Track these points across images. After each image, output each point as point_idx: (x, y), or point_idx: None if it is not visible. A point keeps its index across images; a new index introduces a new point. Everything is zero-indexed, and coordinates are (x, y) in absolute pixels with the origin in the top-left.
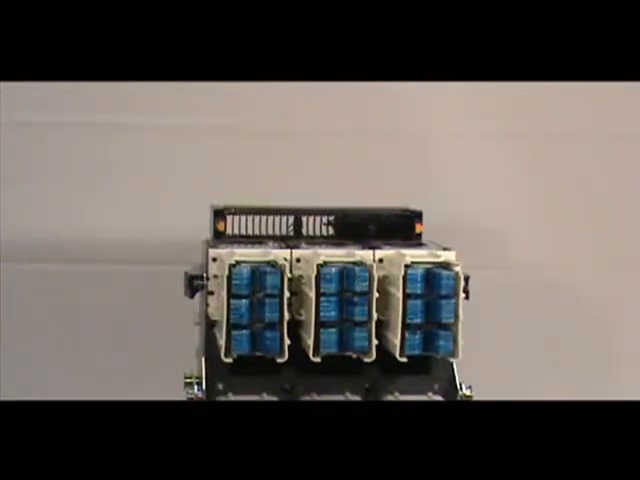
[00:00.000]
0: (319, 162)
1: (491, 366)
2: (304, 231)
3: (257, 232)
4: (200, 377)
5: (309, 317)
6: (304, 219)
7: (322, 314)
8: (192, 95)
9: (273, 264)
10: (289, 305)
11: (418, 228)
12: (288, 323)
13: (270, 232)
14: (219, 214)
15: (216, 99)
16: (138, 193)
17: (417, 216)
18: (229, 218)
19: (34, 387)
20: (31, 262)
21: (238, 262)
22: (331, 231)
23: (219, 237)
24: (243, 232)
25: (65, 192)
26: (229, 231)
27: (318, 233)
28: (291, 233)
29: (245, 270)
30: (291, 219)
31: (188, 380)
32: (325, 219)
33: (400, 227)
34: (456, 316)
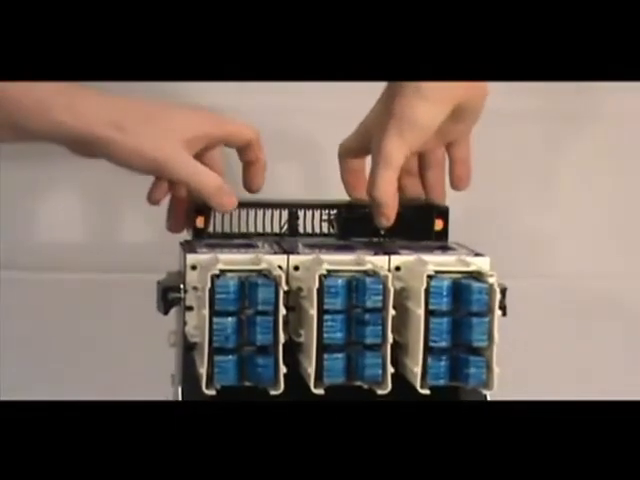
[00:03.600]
0: (318, 146)
1: (532, 398)
2: (300, 229)
3: (244, 229)
4: None
5: (310, 339)
6: (300, 214)
7: (326, 335)
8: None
9: (266, 274)
10: (285, 324)
11: (438, 224)
12: (284, 346)
13: (260, 229)
14: (199, 208)
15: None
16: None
17: (441, 213)
18: (211, 213)
19: None
20: None
21: (223, 271)
22: (333, 229)
23: (199, 237)
24: (227, 230)
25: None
26: (210, 229)
27: (317, 231)
28: (285, 231)
29: (231, 281)
30: (285, 214)
31: None
32: (326, 214)
33: (421, 225)
34: (490, 338)
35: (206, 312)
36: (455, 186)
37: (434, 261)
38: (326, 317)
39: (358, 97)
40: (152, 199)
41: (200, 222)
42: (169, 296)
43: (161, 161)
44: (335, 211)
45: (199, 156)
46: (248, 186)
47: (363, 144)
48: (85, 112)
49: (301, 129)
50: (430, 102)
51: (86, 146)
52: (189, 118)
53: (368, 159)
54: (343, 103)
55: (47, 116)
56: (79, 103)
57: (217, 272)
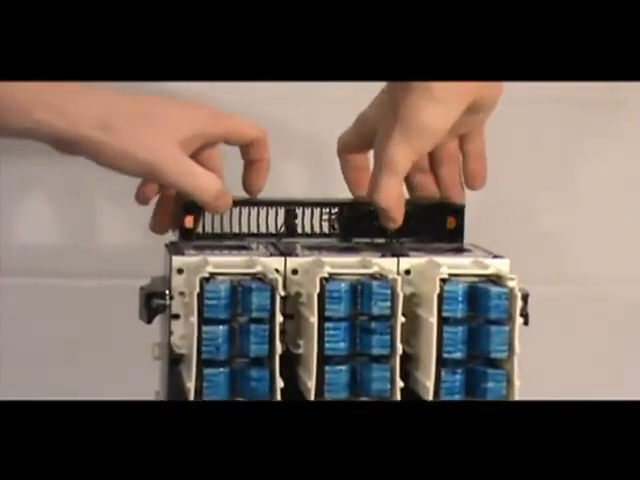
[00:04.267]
0: (318, 141)
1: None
2: (299, 229)
3: (237, 229)
4: None
5: (310, 350)
6: (299, 212)
7: (327, 345)
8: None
9: (261, 277)
10: (282, 333)
11: (450, 223)
12: (281, 358)
13: (254, 230)
14: (188, 206)
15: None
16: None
17: (454, 211)
18: (201, 212)
19: None
20: None
21: (213, 274)
22: (334, 229)
23: (187, 238)
24: (219, 230)
25: None
26: (200, 229)
27: (317, 231)
28: (282, 232)
29: (222, 285)
30: (282, 213)
31: None
32: (326, 213)
33: (433, 225)
34: (511, 348)
35: (194, 320)
36: (470, 184)
37: (448, 263)
38: (328, 325)
39: (361, 85)
40: (141, 198)
41: (189, 222)
42: (153, 303)
43: (153, 164)
44: (337, 209)
45: (196, 155)
46: (247, 187)
47: (364, 138)
48: (70, 111)
49: (301, 121)
50: (441, 104)
51: (70, 145)
52: (184, 115)
53: (371, 154)
54: (345, 92)
55: (29, 115)
56: (64, 101)
57: (206, 275)
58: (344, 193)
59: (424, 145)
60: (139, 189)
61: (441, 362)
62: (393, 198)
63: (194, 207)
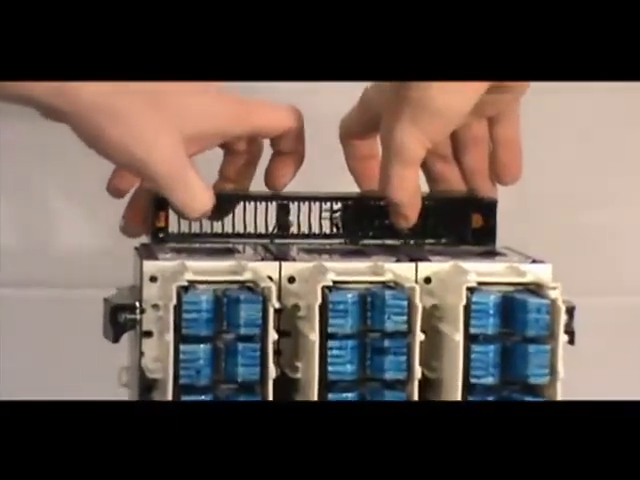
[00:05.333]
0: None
1: None
2: (295, 228)
3: (221, 229)
4: None
5: (310, 374)
6: (294, 208)
7: (331, 369)
8: None
9: (250, 286)
10: (276, 354)
11: (478, 221)
12: (275, 384)
13: (241, 229)
14: (160, 202)
15: None
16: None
17: (482, 207)
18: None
19: None
20: None
21: (193, 283)
22: (337, 229)
23: (160, 239)
24: (198, 229)
25: None
26: (174, 228)
27: (317, 231)
28: (276, 230)
29: (204, 296)
30: (274, 209)
31: None
32: (327, 209)
33: (458, 224)
34: (553, 372)
35: (170, 338)
36: (500, 178)
37: (476, 269)
38: (331, 344)
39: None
40: (114, 188)
41: (161, 221)
42: (120, 318)
43: (145, 161)
44: (340, 205)
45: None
46: (271, 181)
47: (367, 123)
48: (73, 88)
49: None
50: (456, 86)
51: (64, 121)
52: (203, 108)
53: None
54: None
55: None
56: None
57: (185, 284)
58: (348, 188)
59: (439, 129)
60: (112, 178)
61: (468, 389)
62: (406, 191)
63: (167, 202)
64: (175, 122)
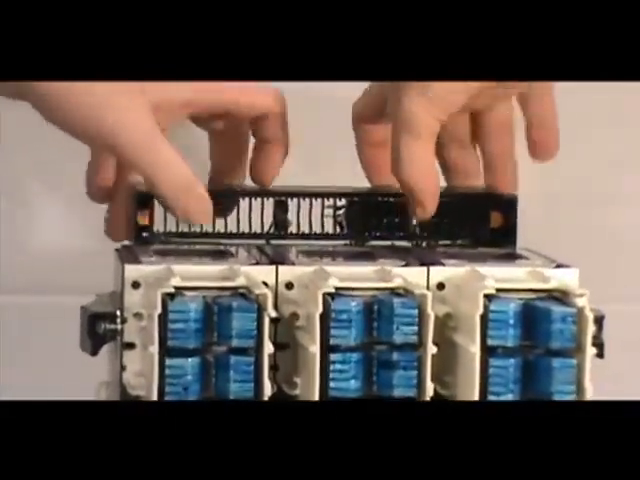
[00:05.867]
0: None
1: None
2: (294, 227)
3: (212, 228)
4: None
5: (309, 390)
6: (292, 205)
7: (333, 385)
8: None
9: (244, 293)
10: (273, 368)
11: (496, 220)
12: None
13: (234, 228)
14: (143, 197)
15: None
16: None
17: (501, 204)
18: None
19: None
20: None
21: (180, 289)
22: (341, 228)
23: (144, 239)
24: (186, 229)
25: None
26: (160, 227)
27: (318, 230)
28: (272, 230)
29: (193, 304)
30: (271, 206)
31: None
32: (330, 206)
33: (474, 224)
34: (579, 389)
35: (155, 351)
36: (533, 153)
37: (495, 275)
38: (334, 357)
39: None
40: (93, 185)
41: (144, 219)
42: (99, 328)
43: (113, 128)
44: (344, 201)
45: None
46: (255, 174)
47: (380, 104)
48: None
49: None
50: None
51: (24, 97)
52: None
53: None
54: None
55: None
56: None
57: (171, 290)
58: (353, 184)
59: (449, 99)
60: (90, 171)
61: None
62: (417, 168)
63: (150, 198)
64: (141, 89)
